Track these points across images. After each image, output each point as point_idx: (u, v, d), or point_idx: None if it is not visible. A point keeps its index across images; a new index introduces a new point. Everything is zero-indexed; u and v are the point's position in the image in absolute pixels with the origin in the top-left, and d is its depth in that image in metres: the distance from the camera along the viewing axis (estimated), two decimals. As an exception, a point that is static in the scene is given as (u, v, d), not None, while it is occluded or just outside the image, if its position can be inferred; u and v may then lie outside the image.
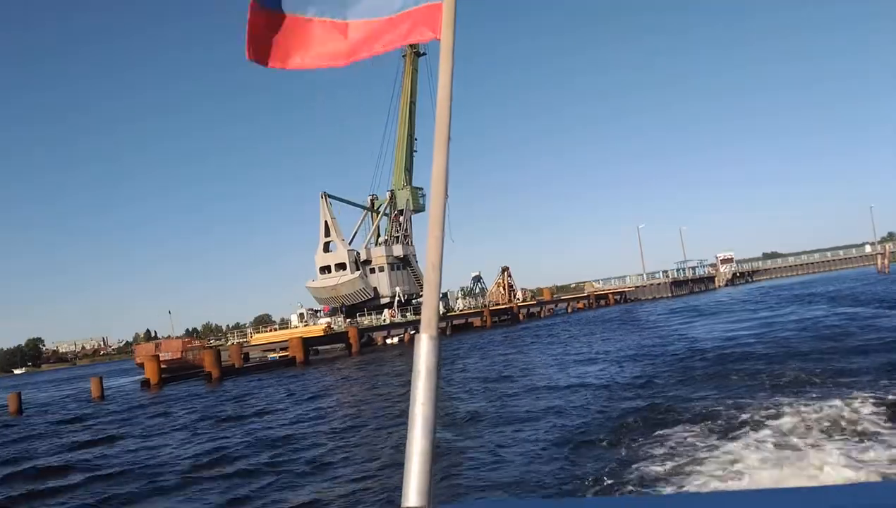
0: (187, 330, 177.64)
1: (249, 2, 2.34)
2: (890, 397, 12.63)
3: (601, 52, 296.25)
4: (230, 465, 15.89)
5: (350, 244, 75.25)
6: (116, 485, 15.21)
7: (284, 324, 73.34)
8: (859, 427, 10.81)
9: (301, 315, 69.75)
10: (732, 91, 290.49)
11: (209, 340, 79.07)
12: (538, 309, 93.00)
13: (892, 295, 43.30)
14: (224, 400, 32.22)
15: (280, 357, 57.37)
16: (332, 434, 18.63)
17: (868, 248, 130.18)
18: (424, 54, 78.66)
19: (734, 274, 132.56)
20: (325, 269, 73.70)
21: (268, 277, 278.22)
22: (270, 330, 71.01)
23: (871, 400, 12.43)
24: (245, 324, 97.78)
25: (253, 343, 64.10)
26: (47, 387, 69.30)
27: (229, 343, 67.45)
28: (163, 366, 50.61)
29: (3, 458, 21.77)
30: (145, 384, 48.31)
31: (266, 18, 2.39)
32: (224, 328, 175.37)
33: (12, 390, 71.03)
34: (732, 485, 8.79)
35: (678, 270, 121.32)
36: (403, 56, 78.70)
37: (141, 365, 62.35)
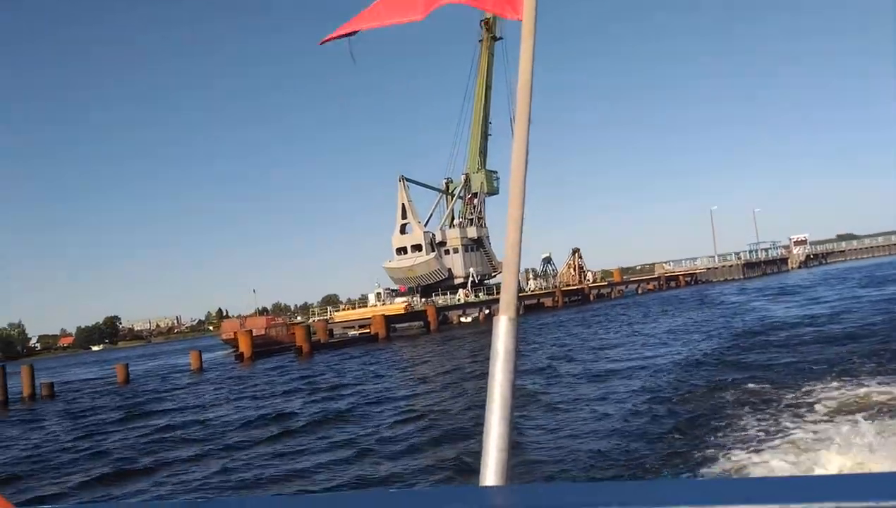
0: (257, 309, 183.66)
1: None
2: None
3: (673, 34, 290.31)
4: (350, 417, 18.09)
5: (425, 226, 77.47)
6: (256, 429, 17.87)
7: (363, 302, 76.27)
8: None
9: (378, 294, 72.41)
10: (803, 62, 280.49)
11: (291, 317, 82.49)
12: (608, 289, 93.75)
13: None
14: (323, 370, 34.70)
15: (361, 333, 60.08)
16: (430, 403, 20.66)
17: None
18: (501, 38, 79.17)
19: (808, 256, 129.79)
20: (402, 250, 76.18)
21: (335, 260, 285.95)
22: (347, 309, 73.91)
23: None
24: (313, 304, 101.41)
25: (336, 320, 67.10)
26: (133, 363, 73.52)
27: (311, 320, 70.58)
28: (248, 342, 53.37)
29: (147, 413, 24.72)
30: (239, 357, 51.44)
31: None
32: (292, 307, 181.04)
33: (94, 365, 75.99)
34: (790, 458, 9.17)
35: (750, 252, 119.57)
36: (480, 41, 79.64)
37: (227, 342, 65.97)
